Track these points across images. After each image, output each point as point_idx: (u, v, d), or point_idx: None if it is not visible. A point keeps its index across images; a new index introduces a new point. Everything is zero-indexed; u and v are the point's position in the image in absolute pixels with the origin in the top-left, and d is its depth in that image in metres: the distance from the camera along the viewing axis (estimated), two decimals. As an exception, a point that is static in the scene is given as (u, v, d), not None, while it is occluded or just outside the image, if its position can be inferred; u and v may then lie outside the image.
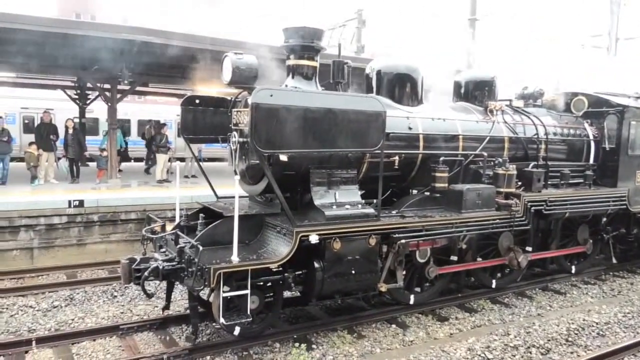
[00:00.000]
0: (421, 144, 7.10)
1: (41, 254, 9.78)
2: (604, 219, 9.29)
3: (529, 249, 8.17)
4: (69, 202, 10.05)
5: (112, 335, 6.24)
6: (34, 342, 5.86)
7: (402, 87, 7.31)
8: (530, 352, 6.07)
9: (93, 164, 15.16)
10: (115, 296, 7.75)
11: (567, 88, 9.85)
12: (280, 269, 5.71)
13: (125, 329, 6.29)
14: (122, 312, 7.03)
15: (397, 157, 6.78)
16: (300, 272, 5.89)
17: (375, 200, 6.32)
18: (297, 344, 5.99)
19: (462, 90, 8.65)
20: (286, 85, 6.26)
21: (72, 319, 6.73)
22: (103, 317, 6.83)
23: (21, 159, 15.49)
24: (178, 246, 5.64)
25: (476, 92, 8.48)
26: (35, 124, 17.15)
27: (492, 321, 7.16)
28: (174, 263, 5.57)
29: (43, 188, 12.09)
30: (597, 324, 7.04)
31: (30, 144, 13.37)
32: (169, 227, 6.49)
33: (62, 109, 18.40)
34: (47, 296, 7.69)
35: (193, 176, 15.50)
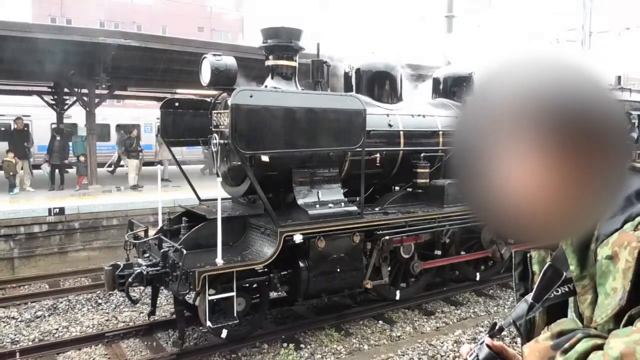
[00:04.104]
0: (402, 140, 7.17)
1: (22, 264, 9.60)
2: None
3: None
4: (49, 209, 9.88)
5: (97, 343, 6.17)
6: (17, 354, 5.77)
7: (381, 85, 7.37)
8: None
9: (72, 171, 14.93)
10: (100, 304, 7.65)
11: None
12: (266, 269, 5.72)
13: (111, 337, 6.22)
14: (107, 320, 6.94)
15: (378, 155, 6.84)
16: (285, 272, 5.91)
17: (358, 198, 6.36)
18: (285, 344, 6.00)
19: (441, 87, 8.74)
20: (266, 86, 6.26)
21: (56, 329, 6.63)
22: (88, 326, 6.74)
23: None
24: (162, 251, 5.61)
25: (454, 88, 8.57)
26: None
27: (478, 313, 7.26)
28: (158, 268, 5.54)
29: (22, 197, 11.87)
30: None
31: (8, 151, 13.10)
32: (152, 231, 6.44)
33: (39, 115, 18.06)
34: (30, 306, 7.56)
35: (167, 180, 15.02)
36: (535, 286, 1.06)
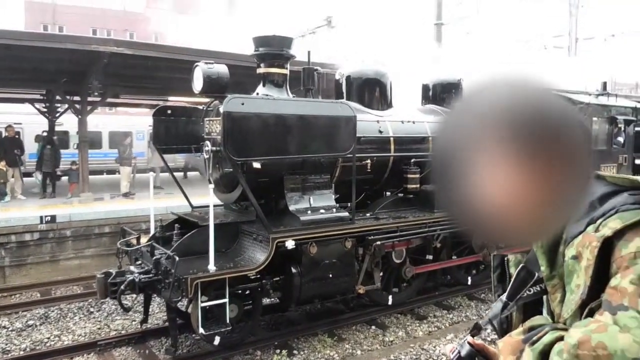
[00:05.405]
0: (392, 146, 7.23)
1: (13, 272, 9.54)
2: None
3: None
4: (41, 217, 9.84)
5: (90, 352, 6.14)
6: (8, 363, 5.75)
7: (371, 91, 7.44)
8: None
9: (64, 179, 14.88)
10: (92, 312, 7.62)
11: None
12: (258, 276, 5.74)
13: (103, 345, 6.21)
14: (99, 328, 6.92)
15: (369, 161, 6.90)
16: (278, 278, 5.93)
17: (349, 204, 6.41)
18: (278, 351, 6.02)
19: (430, 93, 8.83)
20: (257, 93, 6.31)
21: (48, 338, 6.60)
22: (80, 334, 6.72)
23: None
24: (154, 258, 5.61)
25: (444, 95, 8.67)
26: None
27: (470, 317, 7.31)
28: (151, 275, 5.54)
29: (13, 204, 11.81)
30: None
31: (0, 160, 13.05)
32: (144, 239, 6.44)
33: (32, 123, 17.98)
34: (21, 315, 7.51)
35: (159, 187, 14.96)
36: (509, 286, 1.13)
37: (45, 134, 15.24)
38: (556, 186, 0.88)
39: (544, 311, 1.10)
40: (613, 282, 0.89)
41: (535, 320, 1.04)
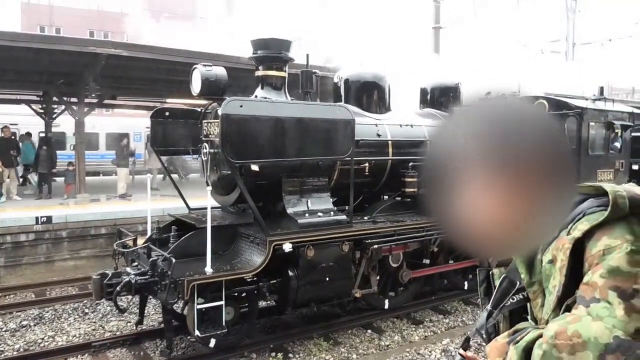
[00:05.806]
0: (390, 150, 7.24)
1: (8, 273, 9.49)
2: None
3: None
4: (36, 218, 9.80)
5: (84, 353, 6.11)
6: (2, 364, 5.71)
7: (369, 95, 7.45)
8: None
9: (60, 179, 14.85)
10: (87, 313, 7.58)
11: (528, 92, 10.10)
12: (255, 278, 5.72)
13: (98, 346, 6.17)
14: (93, 329, 6.88)
15: (367, 164, 6.90)
16: (274, 281, 5.92)
17: (347, 207, 6.41)
18: (273, 354, 6.00)
19: (428, 97, 8.84)
20: (256, 96, 6.31)
21: (42, 339, 6.57)
22: (74, 335, 6.68)
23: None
24: (150, 259, 5.59)
25: (442, 99, 8.68)
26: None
27: (466, 322, 7.31)
28: (147, 277, 5.52)
29: (9, 205, 11.76)
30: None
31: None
32: (141, 240, 6.42)
33: (27, 124, 17.91)
34: (15, 316, 7.47)
35: (155, 188, 14.98)
36: (493, 296, 1.22)
37: (41, 134, 15.22)
38: (539, 204, 0.95)
39: (529, 319, 1.17)
40: (585, 278, 0.96)
41: (520, 325, 1.11)
